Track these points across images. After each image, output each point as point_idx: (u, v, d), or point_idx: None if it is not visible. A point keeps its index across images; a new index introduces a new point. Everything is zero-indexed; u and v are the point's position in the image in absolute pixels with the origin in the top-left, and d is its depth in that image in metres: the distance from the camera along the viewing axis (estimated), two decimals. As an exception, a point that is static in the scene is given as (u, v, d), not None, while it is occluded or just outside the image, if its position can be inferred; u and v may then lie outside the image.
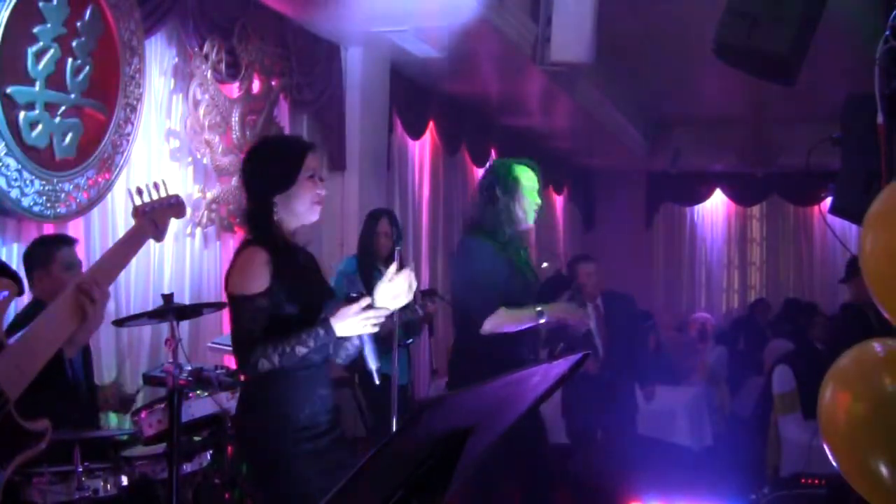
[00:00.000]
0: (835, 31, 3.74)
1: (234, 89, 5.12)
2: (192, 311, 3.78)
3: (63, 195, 3.89)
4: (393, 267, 2.74)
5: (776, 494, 5.02)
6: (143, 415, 3.33)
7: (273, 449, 2.65)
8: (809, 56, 3.21)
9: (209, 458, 3.50)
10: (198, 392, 3.54)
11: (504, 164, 3.77)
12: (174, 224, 4.71)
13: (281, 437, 2.66)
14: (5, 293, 2.26)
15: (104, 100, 4.09)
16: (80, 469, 2.85)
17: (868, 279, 2.25)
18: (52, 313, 2.34)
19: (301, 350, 2.60)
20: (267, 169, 2.77)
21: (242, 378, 2.83)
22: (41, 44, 3.75)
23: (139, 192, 2.64)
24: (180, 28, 4.69)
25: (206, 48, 4.79)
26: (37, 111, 3.75)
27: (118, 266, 2.58)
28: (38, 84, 3.75)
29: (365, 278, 4.78)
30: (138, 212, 2.62)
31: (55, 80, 3.82)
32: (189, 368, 3.58)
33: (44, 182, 3.78)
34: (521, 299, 3.59)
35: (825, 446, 2.38)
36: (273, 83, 5.42)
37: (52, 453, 2.70)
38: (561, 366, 1.51)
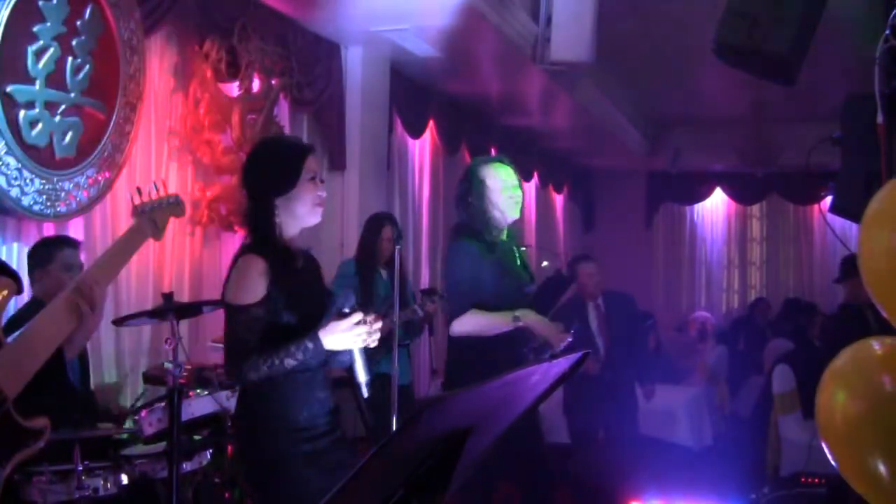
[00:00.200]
0: (835, 31, 3.73)
1: (234, 89, 5.12)
2: (192, 309, 3.78)
3: (63, 194, 3.89)
4: (355, 316, 2.65)
5: (776, 494, 5.02)
6: (143, 414, 3.33)
7: (272, 450, 2.65)
8: (809, 56, 3.21)
9: (209, 456, 3.50)
10: (198, 391, 3.54)
11: (471, 168, 3.74)
12: (174, 223, 4.75)
13: (279, 438, 2.66)
14: (4, 291, 2.26)
15: (104, 99, 4.09)
16: (80, 468, 2.85)
17: (866, 279, 2.26)
18: (51, 312, 2.35)
19: (290, 362, 2.61)
20: (268, 171, 2.76)
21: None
22: (41, 42, 3.75)
23: (139, 191, 2.64)
24: (180, 27, 4.69)
25: (206, 48, 4.79)
26: (37, 110, 3.75)
27: (117, 265, 2.59)
28: (38, 83, 3.75)
29: (364, 282, 4.78)
30: (137, 211, 2.63)
31: (55, 78, 3.83)
32: (189, 367, 3.58)
33: (44, 181, 3.78)
34: (512, 300, 3.55)
35: (823, 445, 2.38)
36: (273, 83, 5.42)
37: (52, 452, 2.70)
38: (561, 365, 1.51)
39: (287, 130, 5.63)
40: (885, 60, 2.65)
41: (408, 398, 4.84)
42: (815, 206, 11.67)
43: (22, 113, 3.68)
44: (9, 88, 3.62)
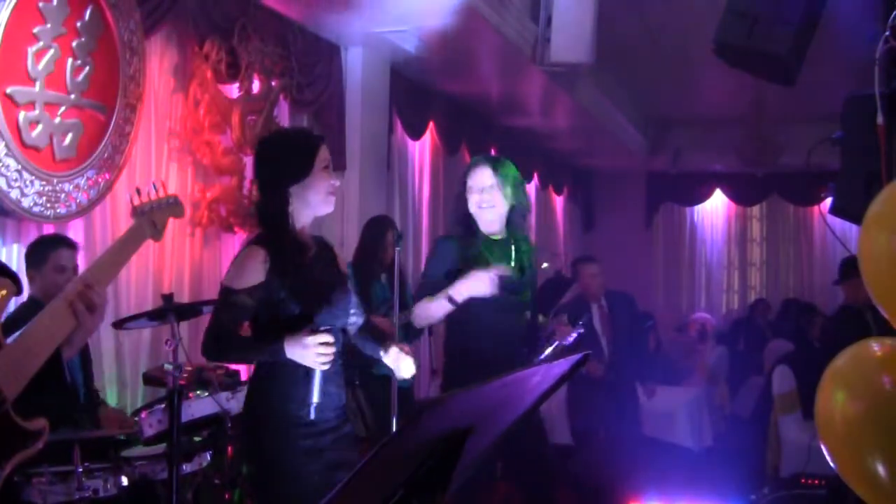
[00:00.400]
0: (835, 31, 3.73)
1: (234, 89, 5.12)
2: (192, 310, 3.78)
3: (63, 195, 3.89)
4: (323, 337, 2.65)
5: (776, 494, 5.02)
6: (143, 415, 3.33)
7: (275, 444, 2.66)
8: (809, 56, 3.21)
9: (209, 458, 3.50)
10: (198, 392, 3.54)
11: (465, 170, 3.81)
12: (174, 224, 4.75)
13: (283, 431, 2.66)
14: (2, 291, 2.26)
15: (104, 100, 4.09)
16: (80, 469, 2.85)
17: (867, 280, 2.25)
18: (51, 313, 2.34)
19: (251, 359, 2.71)
20: (283, 158, 2.78)
21: (251, 372, 2.85)
22: (41, 44, 3.75)
23: (138, 192, 2.64)
24: (180, 28, 4.69)
25: (206, 48, 4.79)
26: (37, 111, 3.75)
27: (116, 266, 2.59)
28: (37, 84, 3.75)
29: (362, 286, 4.77)
30: (137, 212, 2.62)
31: (55, 80, 3.83)
32: (189, 368, 3.58)
33: (44, 182, 3.78)
34: (490, 298, 3.53)
35: (822, 446, 2.38)
36: (273, 83, 5.42)
37: (52, 453, 2.70)
38: (561, 366, 1.51)
39: (287, 131, 5.63)
40: (885, 60, 2.65)
41: (408, 399, 4.84)
42: (815, 207, 11.67)
43: (22, 114, 3.68)
44: (9, 89, 3.62)
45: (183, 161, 4.85)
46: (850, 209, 2.90)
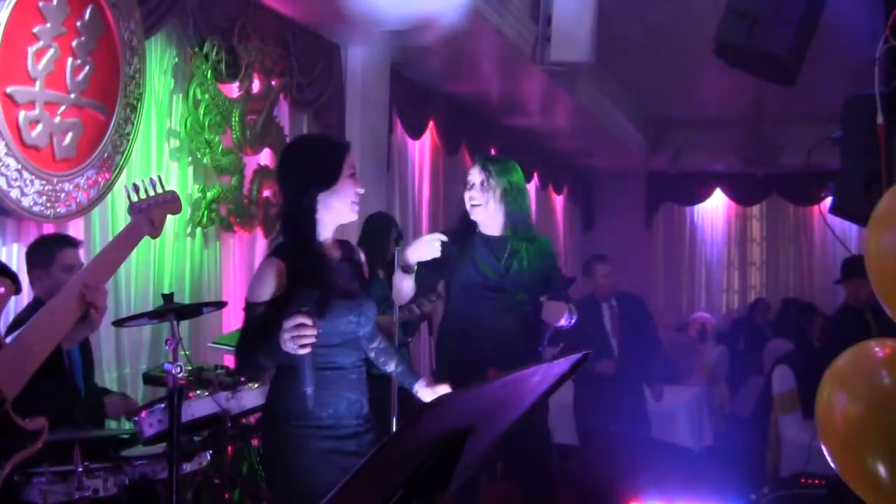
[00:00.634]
0: (835, 31, 3.73)
1: (234, 89, 5.12)
2: (192, 310, 3.77)
3: (63, 195, 3.88)
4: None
5: (776, 494, 5.03)
6: (143, 415, 3.33)
7: (290, 444, 2.66)
8: (809, 56, 3.21)
9: (209, 458, 3.49)
10: (198, 392, 3.54)
11: None
12: (174, 223, 4.75)
13: (301, 432, 2.67)
14: (0, 290, 2.26)
15: (104, 100, 4.09)
16: (80, 469, 2.85)
17: (874, 280, 2.24)
18: (50, 312, 2.34)
19: (263, 361, 2.69)
20: (310, 165, 2.77)
21: (279, 368, 2.85)
22: (41, 43, 3.75)
23: (136, 188, 2.63)
24: (180, 28, 4.69)
25: (206, 48, 4.79)
26: (37, 111, 3.75)
27: (115, 264, 2.58)
28: (37, 84, 3.75)
29: None
30: (135, 209, 2.61)
31: (55, 79, 3.82)
32: (189, 368, 3.58)
33: (44, 182, 3.78)
34: (470, 290, 3.67)
35: (823, 447, 2.38)
36: (273, 83, 5.42)
37: (52, 453, 2.70)
38: (561, 365, 1.51)
39: (287, 131, 5.63)
40: (885, 60, 2.65)
41: (407, 399, 4.83)
42: (815, 207, 11.67)
43: (22, 114, 3.68)
44: (9, 89, 3.62)
45: (183, 161, 4.85)
46: (850, 209, 2.90)
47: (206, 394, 3.51)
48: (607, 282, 5.98)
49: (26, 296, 3.58)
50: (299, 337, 2.47)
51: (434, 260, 3.43)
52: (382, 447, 1.21)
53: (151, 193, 2.65)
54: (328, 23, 5.68)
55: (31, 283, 3.50)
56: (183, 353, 3.20)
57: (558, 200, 11.73)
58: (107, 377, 4.26)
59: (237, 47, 5.01)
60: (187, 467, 3.30)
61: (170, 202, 2.70)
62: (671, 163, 11.54)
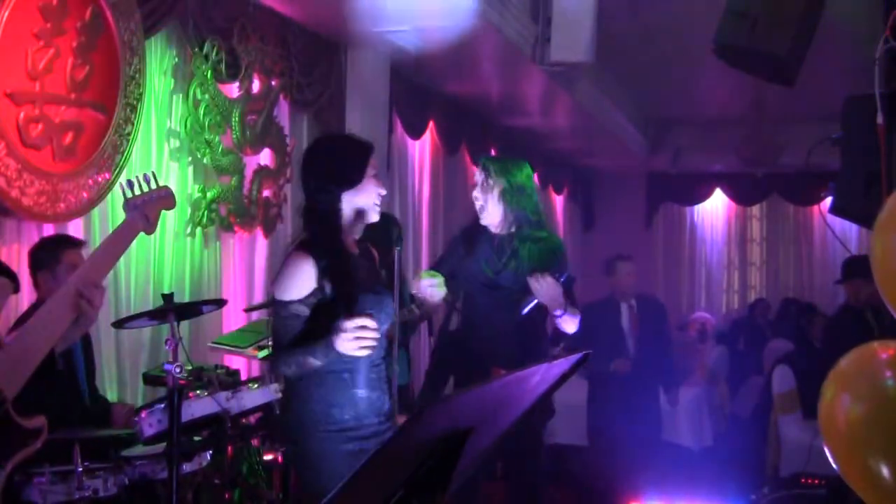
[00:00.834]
0: (835, 31, 3.73)
1: (234, 89, 5.12)
2: (192, 310, 3.77)
3: (63, 195, 3.89)
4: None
5: (776, 494, 5.03)
6: (143, 415, 3.33)
7: (320, 448, 2.66)
8: (809, 56, 3.21)
9: (209, 458, 3.49)
10: (198, 392, 3.54)
11: None
12: (174, 223, 4.75)
13: (323, 434, 2.67)
14: None
15: (104, 100, 4.09)
16: (80, 469, 2.85)
17: (879, 283, 2.24)
18: (48, 311, 2.35)
19: (313, 361, 2.63)
20: (336, 164, 2.77)
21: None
22: (41, 44, 3.75)
23: (130, 185, 2.63)
24: (180, 28, 4.69)
25: (206, 48, 4.79)
26: (37, 111, 3.75)
27: (111, 261, 2.59)
28: (37, 84, 3.75)
29: None
30: (129, 205, 2.62)
31: (55, 80, 3.82)
32: (189, 368, 3.58)
33: (44, 182, 3.78)
34: (470, 285, 3.74)
35: (826, 449, 2.37)
36: (273, 83, 5.42)
37: (52, 453, 2.70)
38: (561, 365, 1.51)
39: (287, 131, 5.63)
40: (885, 61, 2.65)
41: (405, 399, 4.84)
42: (815, 207, 11.67)
43: (22, 114, 3.68)
44: (9, 90, 3.62)
45: (183, 161, 4.85)
46: (850, 209, 2.90)
47: (206, 394, 3.51)
48: (630, 280, 6.02)
49: (26, 296, 3.59)
50: (361, 339, 2.51)
51: (444, 260, 3.48)
52: (382, 447, 1.21)
53: (146, 189, 2.66)
54: (328, 23, 5.68)
55: (37, 284, 3.51)
56: (183, 352, 3.19)
57: (558, 200, 11.73)
58: (107, 377, 4.26)
59: (237, 47, 5.01)
60: (187, 467, 3.30)
61: (164, 198, 2.71)
62: (671, 163, 11.54)
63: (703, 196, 12.83)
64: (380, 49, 6.18)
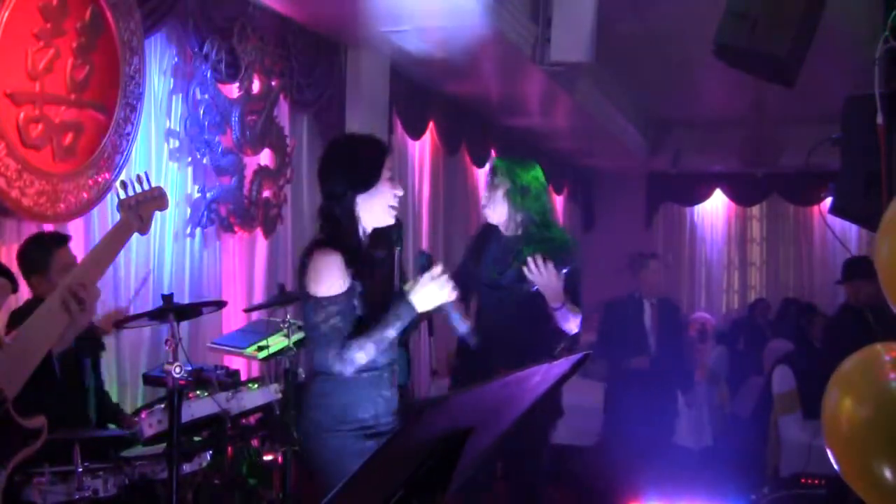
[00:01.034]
0: (835, 31, 3.73)
1: (234, 89, 5.12)
2: (192, 311, 3.77)
3: (63, 195, 3.89)
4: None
5: (776, 494, 5.03)
6: (142, 415, 3.33)
7: (342, 451, 2.66)
8: (809, 56, 3.20)
9: (209, 458, 3.49)
10: (198, 392, 3.54)
11: None
12: (175, 224, 4.75)
13: (345, 433, 2.67)
14: None
15: (104, 100, 4.09)
16: (80, 469, 2.85)
17: (885, 285, 2.23)
18: (45, 312, 2.35)
19: (390, 333, 2.66)
20: (351, 166, 2.76)
21: (315, 375, 2.79)
22: (41, 44, 3.75)
23: (124, 185, 2.64)
24: (180, 28, 4.69)
25: (205, 48, 4.79)
26: (37, 111, 3.75)
27: (106, 261, 2.60)
28: (37, 84, 3.75)
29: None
30: (123, 205, 2.62)
31: (55, 80, 3.82)
32: (189, 368, 3.58)
33: (44, 182, 3.78)
34: (475, 283, 3.76)
35: (829, 451, 2.37)
36: (273, 83, 5.42)
37: (52, 453, 2.70)
38: (561, 366, 1.51)
39: (287, 131, 5.63)
40: (885, 61, 2.64)
41: (405, 398, 4.83)
42: (815, 207, 11.68)
43: (22, 114, 3.68)
44: (9, 90, 3.62)
45: (183, 161, 4.85)
46: (850, 209, 2.90)
47: (206, 394, 3.51)
48: (657, 278, 6.06)
49: (25, 297, 3.58)
50: (446, 283, 2.67)
51: (463, 263, 3.67)
52: (383, 447, 1.21)
53: (139, 190, 2.67)
54: (328, 23, 5.68)
55: (31, 286, 3.50)
56: (183, 353, 3.19)
57: (558, 200, 11.73)
58: (107, 377, 4.26)
59: (237, 47, 5.01)
60: (187, 467, 3.30)
61: (157, 198, 2.72)
62: (671, 163, 11.53)
63: (703, 196, 12.83)
64: (380, 49, 6.18)
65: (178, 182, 4.80)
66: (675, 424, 6.16)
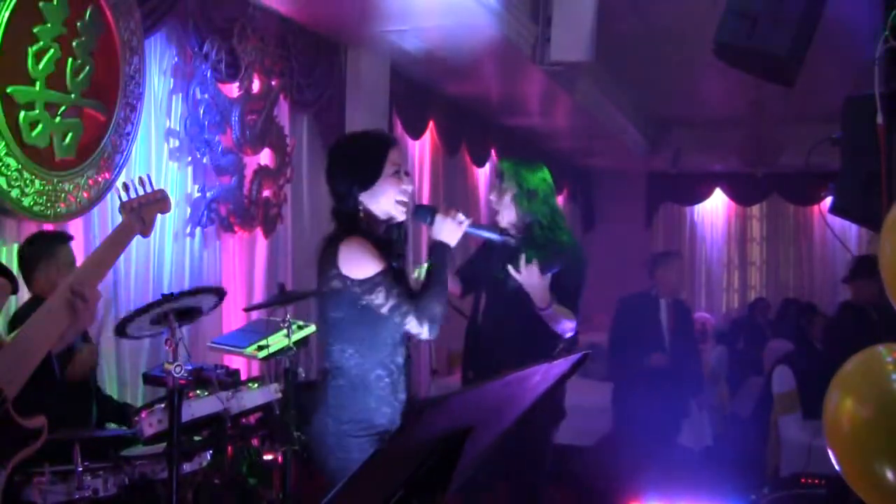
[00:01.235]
0: (835, 31, 3.73)
1: (234, 89, 5.12)
2: (193, 311, 3.76)
3: (63, 195, 3.89)
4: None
5: (776, 494, 5.02)
6: (143, 415, 3.33)
7: (358, 451, 2.63)
8: (809, 56, 3.20)
9: (209, 457, 3.49)
10: (198, 392, 3.54)
11: None
12: (175, 224, 4.75)
13: (365, 439, 2.65)
14: None
15: (104, 100, 4.09)
16: (80, 469, 2.85)
17: (888, 282, 2.23)
18: (46, 311, 2.35)
19: (444, 279, 2.71)
20: (350, 166, 2.73)
21: (331, 376, 2.74)
22: (41, 43, 3.75)
23: (126, 187, 2.64)
24: (180, 28, 4.69)
25: (205, 48, 4.79)
26: (37, 111, 3.76)
27: (108, 263, 2.59)
28: (38, 84, 3.75)
29: None
30: (126, 208, 2.62)
31: (55, 79, 3.83)
32: (189, 368, 3.58)
33: (44, 182, 3.79)
34: (479, 281, 3.75)
35: (830, 453, 2.37)
36: (273, 83, 5.42)
37: (52, 453, 2.70)
38: (561, 366, 1.51)
39: (287, 131, 5.63)
40: (884, 60, 2.64)
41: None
42: (815, 207, 11.68)
43: (22, 114, 3.68)
44: (9, 89, 3.63)
45: (183, 161, 4.85)
46: (850, 209, 2.90)
47: (206, 394, 3.51)
48: (679, 277, 6.05)
49: (25, 297, 3.58)
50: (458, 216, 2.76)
51: (471, 261, 3.68)
52: (382, 447, 1.21)
53: (141, 192, 2.66)
54: (328, 23, 5.68)
55: (32, 284, 3.50)
56: (183, 352, 3.19)
57: (558, 200, 11.74)
58: (106, 377, 4.26)
59: (237, 47, 5.01)
60: (187, 467, 3.30)
61: (160, 200, 2.71)
62: (671, 163, 11.53)
63: (703, 196, 12.83)
64: (380, 49, 6.18)
65: (178, 182, 4.80)
66: (683, 424, 6.15)
